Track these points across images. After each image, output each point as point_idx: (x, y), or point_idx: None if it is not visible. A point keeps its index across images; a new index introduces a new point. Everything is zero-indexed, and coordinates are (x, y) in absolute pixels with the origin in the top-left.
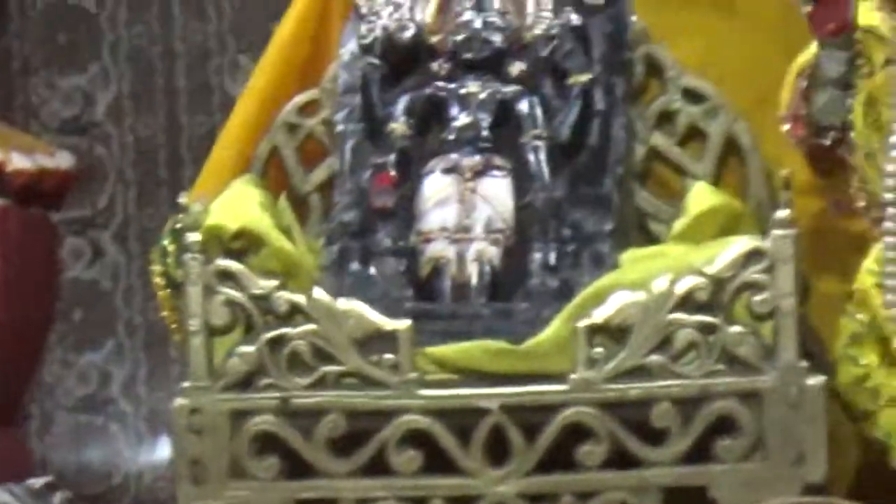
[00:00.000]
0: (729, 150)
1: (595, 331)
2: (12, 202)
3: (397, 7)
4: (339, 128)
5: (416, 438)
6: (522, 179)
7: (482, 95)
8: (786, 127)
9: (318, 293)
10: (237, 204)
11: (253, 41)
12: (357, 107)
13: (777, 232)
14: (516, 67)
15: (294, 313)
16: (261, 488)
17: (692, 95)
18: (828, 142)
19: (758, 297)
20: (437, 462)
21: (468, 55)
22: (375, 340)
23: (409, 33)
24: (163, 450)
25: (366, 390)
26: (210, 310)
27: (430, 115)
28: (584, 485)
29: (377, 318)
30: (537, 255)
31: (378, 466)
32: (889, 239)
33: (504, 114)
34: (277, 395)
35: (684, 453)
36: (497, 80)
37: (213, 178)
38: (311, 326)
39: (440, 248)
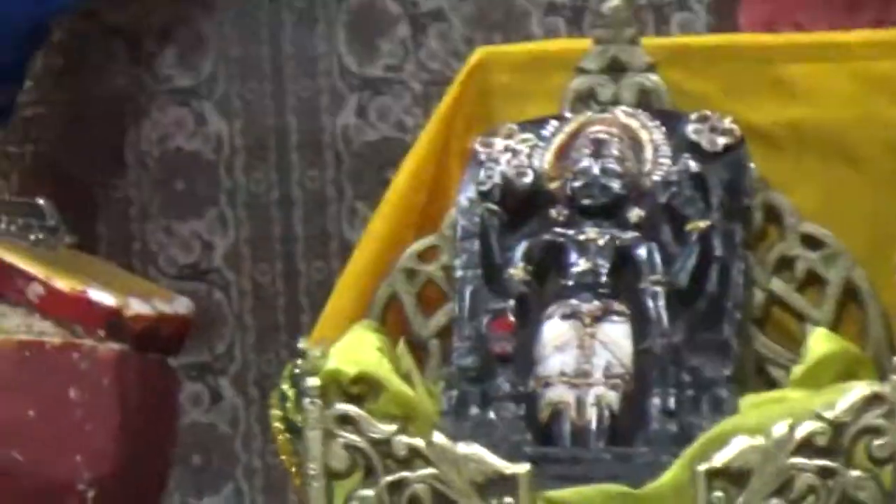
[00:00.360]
0: (848, 296)
1: (715, 475)
2: (131, 348)
3: (515, 153)
4: (458, 273)
5: None
6: (641, 325)
7: (601, 241)
8: None
9: (438, 437)
10: (356, 349)
11: (370, 188)
12: (475, 252)
13: None
14: (635, 214)
15: (414, 457)
16: None
17: (811, 241)
18: None
19: (877, 442)
20: None
21: (587, 201)
22: (495, 484)
23: (527, 179)
24: None
25: None
26: (329, 454)
27: (548, 261)
28: None
29: (497, 462)
30: (656, 401)
31: None
32: None
33: (622, 259)
34: None
35: None
36: (615, 226)
37: (331, 323)
38: (430, 470)
39: (559, 393)
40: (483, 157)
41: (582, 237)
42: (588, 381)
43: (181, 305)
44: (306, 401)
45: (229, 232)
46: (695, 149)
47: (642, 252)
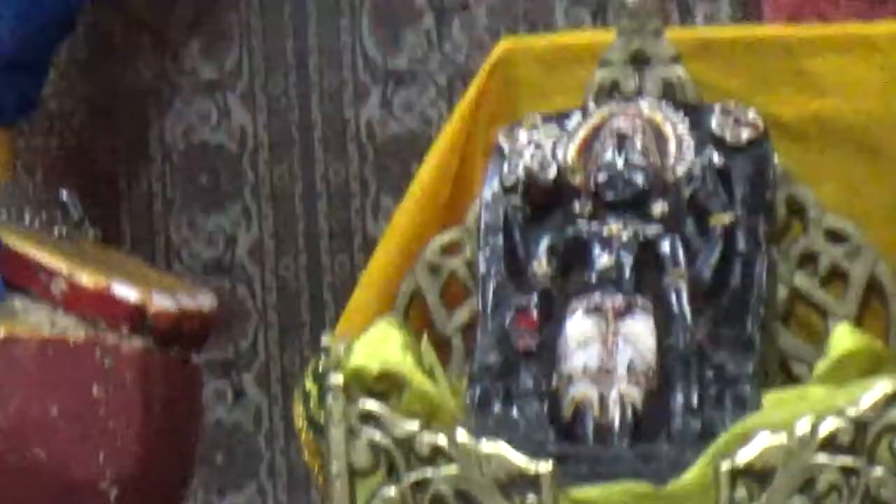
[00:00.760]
0: (871, 292)
1: (737, 473)
2: (154, 344)
3: (539, 147)
4: (482, 268)
5: None
6: (664, 320)
7: (624, 236)
8: None
9: (461, 435)
10: (379, 345)
11: (394, 181)
12: (499, 247)
13: None
14: (658, 207)
15: (436, 455)
16: None
17: (834, 236)
18: None
19: None
20: None
21: (610, 195)
22: (518, 482)
23: (551, 173)
24: None
25: None
26: (353, 452)
27: (571, 256)
28: None
29: (520, 460)
30: (680, 397)
31: None
32: None
33: (646, 254)
34: None
35: None
36: (639, 220)
37: (355, 319)
38: (453, 469)
39: (583, 390)
40: (507, 150)
41: (605, 231)
42: (611, 378)
43: (205, 300)
44: (329, 398)
45: (253, 226)
46: (718, 142)
47: (666, 246)
